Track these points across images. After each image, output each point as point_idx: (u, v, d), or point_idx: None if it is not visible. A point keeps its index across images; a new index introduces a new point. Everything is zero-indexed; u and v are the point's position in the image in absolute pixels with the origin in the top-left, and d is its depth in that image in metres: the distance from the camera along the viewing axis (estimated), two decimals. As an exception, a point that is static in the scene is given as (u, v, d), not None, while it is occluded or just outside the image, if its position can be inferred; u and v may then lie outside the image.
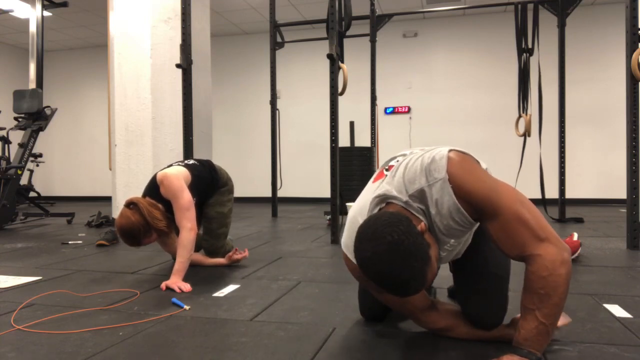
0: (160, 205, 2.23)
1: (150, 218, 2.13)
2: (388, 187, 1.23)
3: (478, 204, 1.15)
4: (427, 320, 1.38)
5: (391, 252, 1.05)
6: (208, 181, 2.48)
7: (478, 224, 1.25)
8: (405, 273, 1.05)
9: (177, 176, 2.25)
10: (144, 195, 2.30)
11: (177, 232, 2.32)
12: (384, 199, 1.22)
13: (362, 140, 6.64)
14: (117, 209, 4.36)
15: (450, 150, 1.20)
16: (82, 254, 2.97)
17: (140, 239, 2.14)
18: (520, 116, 4.40)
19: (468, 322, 1.35)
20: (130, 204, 2.15)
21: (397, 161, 1.28)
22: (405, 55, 7.27)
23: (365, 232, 1.10)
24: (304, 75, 7.61)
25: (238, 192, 7.68)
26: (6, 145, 6.19)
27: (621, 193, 6.25)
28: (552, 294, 1.07)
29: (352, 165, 4.83)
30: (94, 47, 8.65)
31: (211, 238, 2.55)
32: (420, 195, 1.18)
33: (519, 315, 1.22)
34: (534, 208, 1.15)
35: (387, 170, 1.29)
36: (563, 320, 1.34)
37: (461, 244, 1.32)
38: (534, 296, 1.09)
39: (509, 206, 1.13)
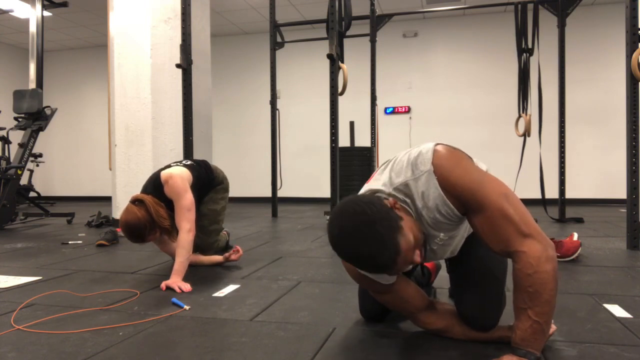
0: (163, 204, 2.24)
1: (156, 216, 2.15)
2: (375, 183, 1.25)
3: (463, 197, 1.15)
4: (425, 321, 1.38)
5: (355, 223, 1.07)
6: (205, 181, 2.54)
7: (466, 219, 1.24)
8: (373, 243, 1.06)
9: (182, 176, 2.29)
10: (146, 192, 2.31)
11: (177, 231, 2.33)
12: (370, 194, 1.24)
13: (362, 140, 6.63)
14: (117, 209, 4.36)
15: (437, 144, 1.20)
16: (82, 254, 2.97)
17: (145, 235, 2.15)
18: (520, 116, 4.39)
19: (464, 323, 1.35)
20: (136, 201, 2.17)
21: (388, 160, 1.30)
22: (405, 55, 7.27)
23: (334, 211, 1.14)
24: (304, 75, 7.60)
25: (238, 192, 7.71)
26: (6, 145, 6.19)
27: (621, 193, 6.25)
28: (541, 292, 1.07)
29: (352, 165, 4.83)
30: (94, 47, 8.65)
31: (203, 234, 2.59)
32: (405, 189, 1.19)
33: None
34: (520, 203, 1.15)
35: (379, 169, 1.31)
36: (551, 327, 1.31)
37: (454, 240, 1.31)
38: (524, 295, 1.09)
39: (494, 200, 1.13)
